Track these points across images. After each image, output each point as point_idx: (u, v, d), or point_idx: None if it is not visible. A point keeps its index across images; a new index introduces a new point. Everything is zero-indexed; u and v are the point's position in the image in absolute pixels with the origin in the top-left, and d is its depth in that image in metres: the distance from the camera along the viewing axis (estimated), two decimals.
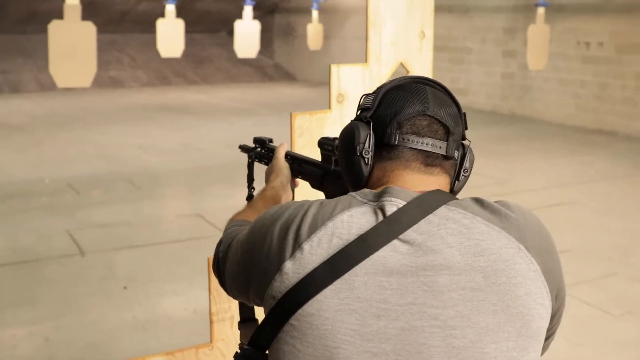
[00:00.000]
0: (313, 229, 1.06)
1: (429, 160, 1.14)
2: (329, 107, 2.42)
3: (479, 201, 1.10)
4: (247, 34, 11.29)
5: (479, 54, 12.72)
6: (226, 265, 1.26)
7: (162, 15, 10.75)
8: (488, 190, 6.86)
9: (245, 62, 18.12)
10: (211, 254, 1.44)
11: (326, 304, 1.01)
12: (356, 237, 1.03)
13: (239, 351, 1.19)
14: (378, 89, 1.20)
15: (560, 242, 5.45)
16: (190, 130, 10.44)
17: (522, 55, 10.97)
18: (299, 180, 1.71)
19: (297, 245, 1.05)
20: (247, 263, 1.14)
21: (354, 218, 1.05)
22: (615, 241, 5.43)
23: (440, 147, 1.14)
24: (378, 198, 1.09)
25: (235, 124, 11.11)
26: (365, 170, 1.17)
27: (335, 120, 2.42)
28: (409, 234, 1.03)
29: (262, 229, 1.13)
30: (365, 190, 1.12)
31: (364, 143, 1.16)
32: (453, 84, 13.17)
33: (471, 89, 12.90)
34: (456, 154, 1.18)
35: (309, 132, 2.43)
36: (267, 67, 18.84)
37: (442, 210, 1.06)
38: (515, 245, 1.05)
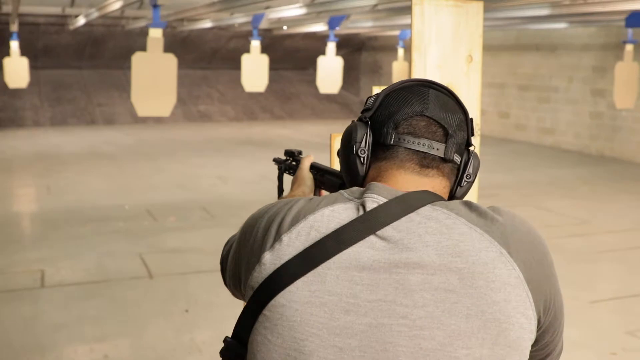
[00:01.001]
0: (294, 222, 1.05)
1: (425, 161, 1.12)
2: None
3: (467, 204, 1.07)
4: (329, 69, 11.43)
5: (566, 92, 12.40)
6: (227, 264, 1.27)
7: (249, 51, 11.04)
8: (566, 230, 6.63)
9: (332, 99, 18.33)
10: None
11: (297, 295, 1.01)
12: (335, 229, 1.02)
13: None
14: (382, 90, 1.19)
15: (638, 285, 5.20)
16: (270, 163, 10.54)
17: (611, 94, 10.61)
18: (323, 192, 1.71)
19: (277, 236, 1.05)
20: (237, 257, 1.15)
21: (335, 213, 1.05)
22: None
23: (437, 149, 1.11)
24: (362, 195, 1.08)
25: (316, 159, 11.16)
26: (361, 169, 1.15)
27: None
28: (388, 230, 1.01)
29: (251, 222, 1.14)
30: (354, 188, 1.11)
31: (361, 142, 1.14)
32: (539, 123, 12.88)
33: (558, 129, 12.56)
34: (457, 158, 1.14)
35: None
36: (353, 104, 18.98)
37: (426, 209, 1.04)
38: (497, 249, 1.01)
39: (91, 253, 5.73)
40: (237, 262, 1.15)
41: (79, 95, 16.15)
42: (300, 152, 1.84)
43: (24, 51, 12.62)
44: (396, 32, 14.28)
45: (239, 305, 4.40)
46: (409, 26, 12.34)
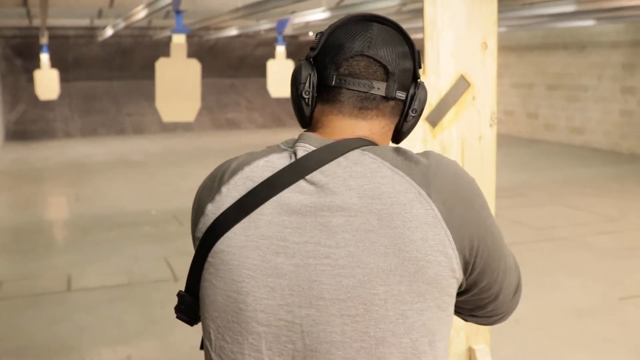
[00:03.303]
0: (232, 174, 1.10)
1: (365, 103, 1.12)
2: None
3: (396, 149, 1.08)
4: None
5: (595, 91, 12.22)
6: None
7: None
8: (596, 228, 6.51)
9: None
10: None
11: (234, 240, 1.06)
12: (268, 177, 1.07)
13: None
14: (328, 27, 1.17)
15: None
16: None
17: None
18: None
19: (218, 189, 1.11)
20: (191, 220, 1.18)
21: (269, 163, 1.09)
22: None
23: (378, 88, 1.11)
24: (294, 145, 1.11)
25: None
26: (307, 110, 1.16)
27: None
28: (316, 175, 1.05)
29: (200, 186, 1.18)
30: (290, 138, 1.14)
31: (305, 83, 1.14)
32: (569, 123, 12.71)
33: (588, 128, 12.38)
34: (401, 95, 1.13)
35: None
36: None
37: (354, 154, 1.07)
38: (416, 190, 1.03)
39: (117, 257, 5.77)
40: (192, 221, 1.18)
41: (109, 106, 16.35)
42: None
43: (54, 63, 12.81)
44: (421, 35, 14.22)
45: None
46: None
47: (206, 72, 6.42)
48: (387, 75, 1.11)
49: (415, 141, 2.44)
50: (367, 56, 1.11)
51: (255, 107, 17.64)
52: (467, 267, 1.06)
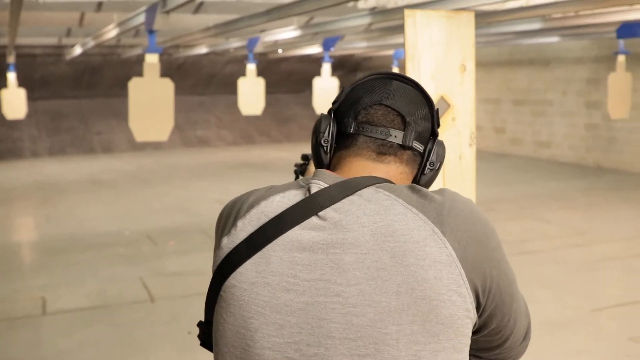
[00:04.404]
0: (249, 208, 1.12)
1: (382, 148, 1.14)
2: None
3: (411, 187, 1.09)
4: (325, 91, 11.48)
5: (561, 105, 12.46)
6: None
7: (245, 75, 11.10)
8: (566, 241, 6.64)
9: None
10: None
11: (246, 276, 1.07)
12: (279, 213, 1.08)
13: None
14: (351, 83, 1.22)
15: (639, 292, 5.20)
16: (268, 185, 10.60)
17: (605, 105, 10.66)
18: None
19: (234, 222, 1.12)
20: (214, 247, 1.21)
21: (285, 199, 1.10)
22: None
23: (395, 136, 1.14)
24: (309, 182, 1.12)
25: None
26: (325, 158, 1.19)
27: None
28: (329, 212, 1.06)
29: (219, 215, 1.21)
30: (309, 176, 1.15)
31: (324, 132, 1.18)
32: (535, 137, 12.92)
33: (554, 142, 12.61)
34: (419, 146, 1.17)
35: None
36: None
37: (369, 192, 1.07)
38: (430, 227, 1.02)
39: (92, 279, 5.72)
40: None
41: (77, 125, 16.20)
42: None
43: (21, 82, 12.68)
44: (390, 52, 14.36)
45: None
46: (402, 46, 12.38)
47: (175, 90, 6.43)
48: (404, 124, 1.14)
49: None
50: (385, 105, 1.15)
51: (225, 124, 17.62)
52: (479, 307, 1.06)
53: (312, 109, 18.20)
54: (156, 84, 6.53)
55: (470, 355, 1.15)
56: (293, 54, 14.29)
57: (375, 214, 1.04)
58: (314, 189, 1.09)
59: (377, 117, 1.14)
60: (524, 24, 8.24)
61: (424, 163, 1.18)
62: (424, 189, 1.09)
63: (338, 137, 1.18)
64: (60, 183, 11.25)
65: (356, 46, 12.22)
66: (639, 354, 4.04)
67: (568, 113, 12.31)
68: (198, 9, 7.75)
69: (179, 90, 8.65)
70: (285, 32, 9.42)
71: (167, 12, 6.01)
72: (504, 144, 13.74)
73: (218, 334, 1.11)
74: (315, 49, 12.64)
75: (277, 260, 1.05)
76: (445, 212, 1.05)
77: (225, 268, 1.09)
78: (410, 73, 2.47)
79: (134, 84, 6.40)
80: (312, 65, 17.24)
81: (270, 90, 11.68)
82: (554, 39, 10.57)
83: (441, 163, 1.20)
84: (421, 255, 1.00)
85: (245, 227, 1.10)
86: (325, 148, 1.18)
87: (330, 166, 1.20)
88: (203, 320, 1.19)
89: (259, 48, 11.23)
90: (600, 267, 5.76)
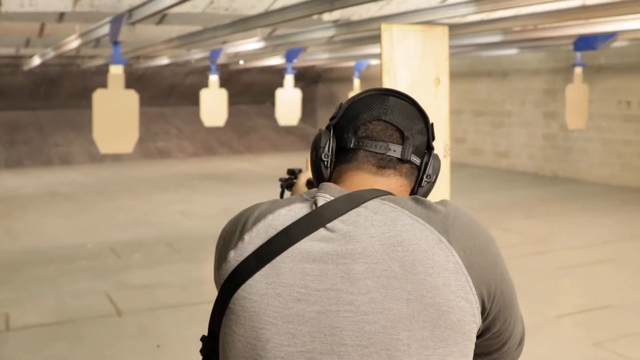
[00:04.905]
0: (256, 222, 1.14)
1: (382, 162, 1.19)
2: None
3: (414, 198, 1.13)
4: (288, 102, 11.52)
5: (519, 116, 12.70)
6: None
7: (207, 86, 11.07)
8: (527, 249, 6.76)
9: (289, 131, 18.42)
10: None
11: (255, 287, 1.09)
12: (288, 225, 1.11)
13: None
14: (348, 99, 1.26)
15: (601, 298, 5.33)
16: (232, 196, 10.59)
17: (563, 116, 10.90)
18: None
19: (240, 236, 1.14)
20: (215, 261, 1.23)
21: (291, 212, 1.13)
22: None
23: (394, 150, 1.18)
24: (315, 195, 1.16)
25: (277, 190, 11.20)
26: (325, 172, 1.23)
27: None
28: (336, 224, 1.09)
29: (224, 227, 1.23)
30: (313, 189, 1.19)
31: (324, 147, 1.22)
32: (495, 148, 13.13)
33: (513, 152, 12.83)
34: (416, 160, 1.21)
35: None
36: (311, 136, 19.10)
37: (374, 204, 1.11)
38: (436, 237, 1.06)
39: (56, 293, 5.63)
40: (214, 267, 1.23)
41: (34, 136, 15.94)
42: (300, 170, 1.95)
43: None
44: (352, 63, 14.47)
45: None
46: (365, 57, 12.47)
47: None
48: (402, 139, 1.19)
49: None
50: (384, 121, 1.19)
51: (186, 135, 17.52)
52: (484, 312, 1.10)
53: (273, 120, 18.17)
54: (121, 95, 6.48)
55: None
56: (254, 65, 14.30)
57: (383, 224, 1.07)
58: (320, 202, 1.12)
59: (376, 132, 1.19)
60: (485, 37, 8.40)
61: (421, 176, 1.22)
62: (427, 200, 1.13)
63: (337, 151, 1.22)
64: (19, 196, 11.05)
65: (318, 58, 12.28)
66: (603, 359, 4.14)
67: (526, 123, 12.55)
68: (161, 20, 7.72)
69: (139, 101, 8.62)
70: (248, 44, 9.43)
71: (133, 23, 5.97)
72: (464, 154, 13.93)
73: (227, 345, 1.12)
74: (276, 60, 12.68)
75: (288, 272, 1.08)
76: (450, 222, 1.09)
77: (234, 280, 1.11)
78: (386, 86, 2.51)
79: (98, 96, 6.34)
80: (273, 77, 17.26)
81: (231, 101, 11.67)
82: (512, 51, 10.79)
83: (437, 175, 1.24)
84: (430, 264, 1.04)
85: (252, 240, 1.12)
86: (325, 163, 1.22)
87: (330, 180, 1.23)
88: (206, 334, 1.20)
89: (220, 59, 11.22)
90: (563, 274, 5.88)
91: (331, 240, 1.08)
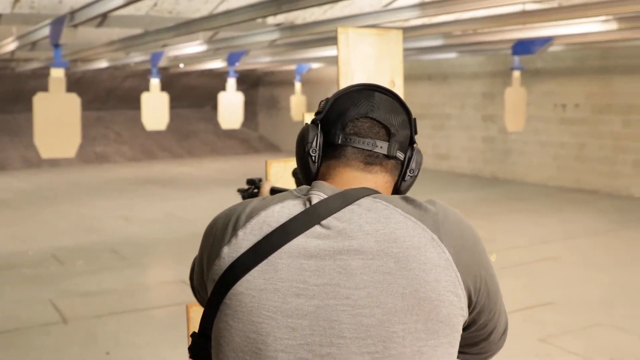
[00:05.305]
0: (249, 218, 1.16)
1: (369, 159, 1.22)
2: None
3: (404, 197, 1.18)
4: (230, 105, 11.47)
5: (459, 119, 12.95)
6: (193, 274, 1.35)
7: (147, 90, 10.93)
8: None
9: (230, 135, 18.33)
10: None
11: (254, 283, 1.11)
12: (283, 222, 1.13)
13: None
14: (334, 94, 1.29)
15: (545, 295, 5.48)
16: (174, 201, 10.48)
17: (501, 119, 11.18)
18: None
19: (234, 232, 1.16)
20: (200, 260, 1.25)
21: (284, 209, 1.16)
22: (598, 293, 5.46)
23: (381, 147, 1.22)
24: (308, 192, 1.19)
25: (221, 194, 11.16)
26: (313, 167, 1.25)
27: None
28: (331, 221, 1.13)
29: (210, 225, 1.25)
30: (303, 186, 1.22)
31: (312, 143, 1.24)
32: (435, 150, 13.35)
33: (453, 154, 13.08)
34: (400, 155, 1.25)
35: (284, 179, 2.49)
36: (252, 139, 19.05)
37: (367, 201, 1.15)
38: (429, 235, 1.11)
39: None
40: (201, 264, 1.25)
41: None
42: (260, 180, 1.97)
43: None
44: (293, 67, 14.51)
45: (163, 345, 4.36)
46: (306, 60, 12.48)
47: None
48: (388, 136, 1.23)
49: None
50: (371, 118, 1.22)
51: (125, 140, 17.25)
52: (471, 305, 1.15)
53: (214, 124, 18.05)
54: (62, 99, 6.34)
55: (458, 352, 1.23)
56: (195, 68, 14.18)
57: (377, 222, 1.11)
58: (314, 200, 1.15)
59: (364, 129, 1.22)
60: (426, 41, 8.55)
61: (404, 170, 1.26)
62: (416, 200, 1.17)
63: (325, 147, 1.25)
64: None
65: (260, 61, 12.27)
66: (548, 354, 4.26)
67: (466, 126, 12.80)
68: (102, 23, 7.60)
69: None
70: (190, 47, 9.36)
71: (75, 25, 5.85)
72: None
73: (223, 340, 1.14)
74: (217, 64, 12.61)
75: (285, 268, 1.10)
76: (441, 221, 1.14)
77: (230, 276, 1.13)
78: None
79: (38, 99, 6.20)
80: (213, 80, 17.15)
81: (171, 105, 11.56)
82: (452, 55, 10.99)
83: (419, 170, 1.29)
84: (422, 260, 1.09)
85: (247, 237, 1.14)
86: (313, 158, 1.24)
87: (318, 175, 1.26)
88: (196, 332, 1.21)
89: (161, 62, 11.09)
90: (507, 273, 6.03)
91: (327, 237, 1.11)
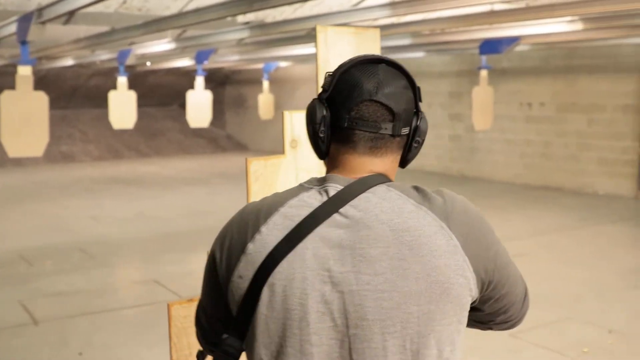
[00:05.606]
0: (268, 215, 1.24)
1: (376, 142, 1.27)
2: (283, 153, 2.48)
3: (416, 187, 1.26)
4: (199, 104, 11.41)
5: (426, 117, 13.04)
6: (200, 303, 1.40)
7: (114, 88, 10.81)
8: None
9: (198, 133, 18.23)
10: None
11: (284, 274, 1.20)
12: (307, 214, 1.21)
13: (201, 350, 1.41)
14: (337, 69, 1.30)
15: None
16: (143, 200, 10.40)
17: (468, 118, 11.30)
18: None
19: (255, 229, 1.24)
20: (221, 259, 1.28)
21: (301, 202, 1.24)
22: (567, 288, 5.56)
23: (386, 128, 1.26)
24: (322, 183, 1.27)
25: (189, 193, 11.12)
26: (322, 146, 1.31)
27: (289, 165, 2.48)
28: (349, 209, 1.21)
29: (222, 233, 1.31)
30: (312, 178, 1.30)
31: (320, 124, 1.29)
32: None
33: (421, 152, 13.09)
34: (405, 130, 1.29)
35: (263, 177, 2.49)
36: (220, 138, 18.96)
37: (381, 190, 1.23)
38: (438, 223, 1.21)
39: None
40: (220, 262, 1.28)
41: None
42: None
43: None
44: (261, 65, 14.48)
45: (137, 345, 4.30)
46: (274, 59, 12.45)
47: None
48: (393, 116, 1.26)
49: (311, 172, 2.55)
50: (375, 101, 1.25)
51: (90, 139, 17.05)
52: (484, 285, 1.25)
53: (181, 123, 17.93)
54: (29, 97, 6.26)
55: (487, 324, 1.38)
56: (162, 66, 14.08)
57: (392, 211, 1.20)
58: (331, 192, 1.23)
59: (368, 113, 1.26)
60: (394, 40, 8.60)
61: (410, 142, 1.32)
62: (426, 190, 1.26)
63: (332, 126, 1.29)
64: None
65: (228, 59, 12.22)
66: (519, 349, 4.33)
67: (433, 125, 12.89)
68: (69, 20, 7.50)
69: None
70: (158, 45, 9.29)
71: (43, 22, 5.78)
72: None
73: (258, 329, 1.22)
74: (185, 62, 12.53)
75: (311, 257, 1.19)
76: (449, 210, 1.23)
77: (263, 270, 1.20)
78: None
79: (5, 97, 6.11)
80: (180, 78, 17.04)
81: (137, 103, 11.47)
82: (420, 54, 11.08)
83: (424, 137, 1.34)
84: (433, 247, 1.19)
85: (270, 232, 1.22)
86: (322, 138, 1.30)
87: (328, 151, 1.32)
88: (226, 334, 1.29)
89: (128, 60, 10.99)
90: None
91: (347, 226, 1.20)
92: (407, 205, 1.21)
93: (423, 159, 13.05)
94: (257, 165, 2.46)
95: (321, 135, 1.29)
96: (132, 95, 10.66)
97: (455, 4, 5.32)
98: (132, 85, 12.15)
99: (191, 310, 2.30)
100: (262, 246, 1.21)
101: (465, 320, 1.25)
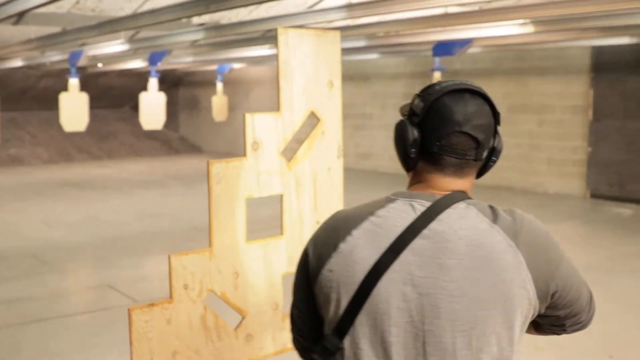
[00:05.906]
0: (360, 221, 1.45)
1: (461, 167, 1.49)
2: (245, 155, 2.47)
3: (491, 207, 1.47)
4: (152, 106, 11.28)
5: (380, 119, 13.14)
6: (294, 303, 1.60)
7: (64, 90, 10.62)
8: None
9: (151, 135, 18.02)
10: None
11: (376, 276, 1.41)
12: (402, 227, 1.42)
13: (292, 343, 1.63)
14: (428, 94, 1.48)
15: None
16: (95, 204, 10.23)
17: None
18: None
19: (347, 232, 1.45)
20: (308, 265, 1.51)
21: (389, 212, 1.45)
22: None
23: (470, 155, 1.48)
24: (407, 197, 1.47)
25: (143, 196, 10.98)
26: (411, 163, 1.52)
27: (251, 167, 2.47)
28: (433, 224, 1.41)
29: (317, 234, 1.53)
30: (398, 191, 1.49)
31: (411, 145, 1.48)
32: (357, 149, 13.52)
33: (374, 153, 13.26)
34: (485, 154, 1.50)
35: (225, 179, 2.47)
36: (173, 140, 18.78)
37: (462, 207, 1.44)
38: (507, 242, 1.41)
39: None
40: (313, 261, 1.50)
41: None
42: None
43: None
44: (214, 67, 14.39)
45: (93, 350, 4.24)
46: (228, 60, 12.41)
47: None
48: (477, 145, 1.47)
49: (273, 175, 2.56)
50: (464, 132, 1.45)
51: (40, 141, 16.71)
52: (547, 296, 1.45)
53: (133, 125, 17.69)
54: None
55: (560, 329, 1.58)
56: (114, 68, 13.88)
57: (468, 228, 1.41)
58: (418, 207, 1.43)
59: (457, 142, 1.46)
60: (349, 42, 8.64)
61: (487, 161, 1.53)
62: (500, 210, 1.46)
63: (422, 148, 1.48)
64: None
65: (182, 61, 12.13)
66: None
67: (386, 126, 13.00)
68: (19, 20, 7.35)
69: None
70: (111, 46, 9.17)
71: None
72: None
73: (357, 321, 1.43)
74: (137, 63, 12.38)
75: (397, 262, 1.40)
76: (517, 230, 1.43)
77: (370, 279, 1.40)
78: (283, 89, 2.55)
79: None
80: (132, 80, 16.83)
81: (89, 105, 11.28)
82: (374, 56, 11.15)
83: (499, 155, 1.54)
84: (502, 262, 1.39)
85: (360, 236, 1.43)
86: (412, 157, 1.49)
87: (415, 168, 1.52)
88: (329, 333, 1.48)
89: (79, 62, 10.80)
90: None
91: (429, 237, 1.40)
92: (482, 224, 1.41)
93: (376, 160, 13.15)
94: (219, 168, 2.44)
95: (412, 156, 1.49)
96: (84, 97, 10.49)
97: (411, 7, 5.37)
98: (83, 87, 11.97)
99: (152, 315, 2.28)
100: (351, 246, 1.43)
101: (524, 327, 1.45)
